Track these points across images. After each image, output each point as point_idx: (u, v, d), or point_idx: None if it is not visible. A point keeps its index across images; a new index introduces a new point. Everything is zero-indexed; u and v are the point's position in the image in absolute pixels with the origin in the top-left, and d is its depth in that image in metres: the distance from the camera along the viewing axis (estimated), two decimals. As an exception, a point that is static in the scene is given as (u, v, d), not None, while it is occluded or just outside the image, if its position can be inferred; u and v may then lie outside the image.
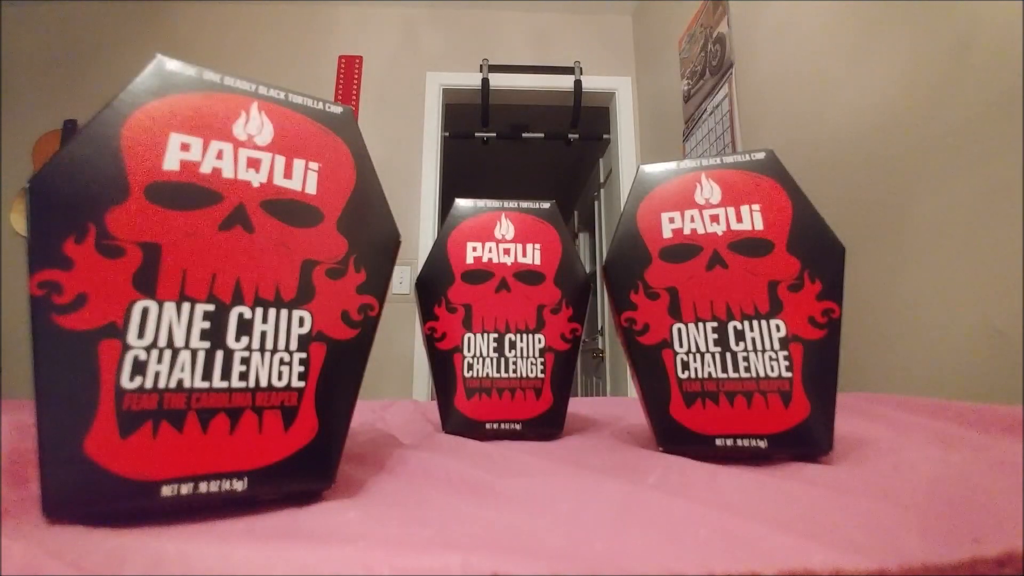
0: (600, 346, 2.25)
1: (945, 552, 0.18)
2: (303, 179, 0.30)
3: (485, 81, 1.99)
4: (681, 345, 0.39)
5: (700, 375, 0.38)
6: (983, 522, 0.21)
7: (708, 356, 0.38)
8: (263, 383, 0.27)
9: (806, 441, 0.35)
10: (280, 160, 0.30)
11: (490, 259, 0.49)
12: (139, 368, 0.24)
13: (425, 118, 2.06)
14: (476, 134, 2.22)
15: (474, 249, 0.50)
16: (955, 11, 0.73)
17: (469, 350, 0.48)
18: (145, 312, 0.24)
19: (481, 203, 0.52)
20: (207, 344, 0.25)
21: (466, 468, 0.32)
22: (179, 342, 0.25)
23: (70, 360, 0.22)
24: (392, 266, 0.32)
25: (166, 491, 0.23)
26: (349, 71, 2.08)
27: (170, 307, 0.25)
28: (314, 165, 0.31)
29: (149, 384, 0.24)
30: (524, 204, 0.52)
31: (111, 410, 0.23)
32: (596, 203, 2.47)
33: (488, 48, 2.14)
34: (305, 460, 0.27)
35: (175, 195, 0.26)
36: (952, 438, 0.37)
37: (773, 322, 0.37)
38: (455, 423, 0.47)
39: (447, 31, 2.19)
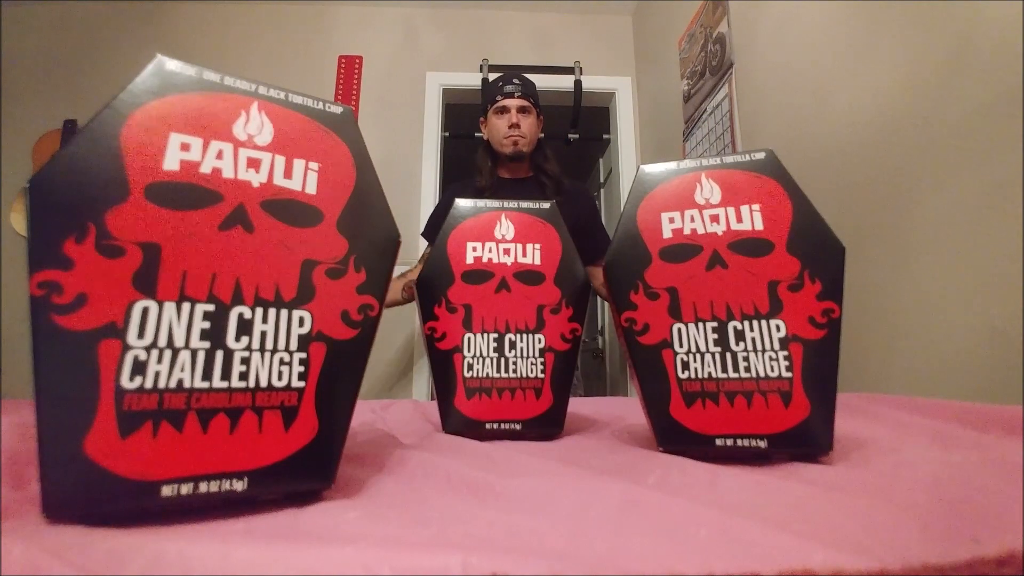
0: (600, 346, 2.25)
1: (945, 552, 0.18)
2: (303, 179, 0.30)
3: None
4: (681, 345, 0.39)
5: (700, 375, 0.38)
6: (983, 522, 0.21)
7: (708, 356, 0.38)
8: (263, 383, 0.27)
9: (806, 441, 0.35)
10: (280, 160, 0.30)
11: (490, 259, 0.49)
12: (139, 368, 0.24)
13: (425, 118, 2.06)
14: (476, 134, 2.22)
15: (474, 249, 0.50)
16: (955, 11, 0.73)
17: (469, 350, 0.48)
18: (145, 312, 0.24)
19: (481, 203, 0.52)
20: (207, 344, 0.25)
21: (466, 468, 0.32)
22: (179, 342, 0.25)
23: (70, 360, 0.22)
24: (392, 266, 0.32)
25: (166, 491, 0.23)
26: (349, 71, 2.08)
27: (170, 307, 0.25)
28: (314, 165, 0.31)
29: (149, 384, 0.24)
30: (524, 204, 0.52)
31: (111, 410, 0.23)
32: (596, 203, 2.46)
33: (488, 48, 2.14)
34: (305, 460, 0.27)
35: (175, 195, 0.26)
36: (952, 438, 0.37)
37: (773, 322, 0.37)
38: (455, 423, 0.47)
39: (447, 31, 2.19)
